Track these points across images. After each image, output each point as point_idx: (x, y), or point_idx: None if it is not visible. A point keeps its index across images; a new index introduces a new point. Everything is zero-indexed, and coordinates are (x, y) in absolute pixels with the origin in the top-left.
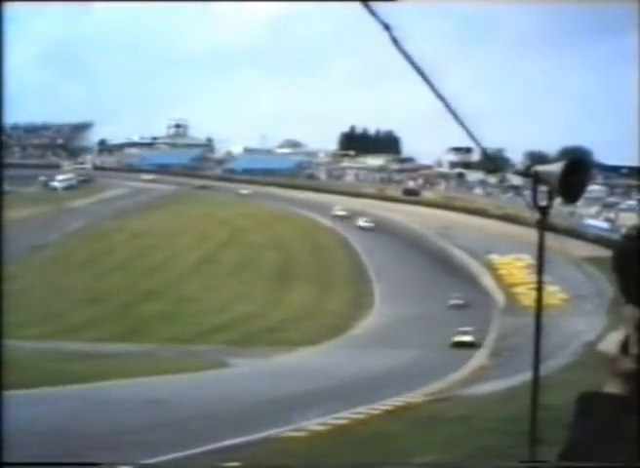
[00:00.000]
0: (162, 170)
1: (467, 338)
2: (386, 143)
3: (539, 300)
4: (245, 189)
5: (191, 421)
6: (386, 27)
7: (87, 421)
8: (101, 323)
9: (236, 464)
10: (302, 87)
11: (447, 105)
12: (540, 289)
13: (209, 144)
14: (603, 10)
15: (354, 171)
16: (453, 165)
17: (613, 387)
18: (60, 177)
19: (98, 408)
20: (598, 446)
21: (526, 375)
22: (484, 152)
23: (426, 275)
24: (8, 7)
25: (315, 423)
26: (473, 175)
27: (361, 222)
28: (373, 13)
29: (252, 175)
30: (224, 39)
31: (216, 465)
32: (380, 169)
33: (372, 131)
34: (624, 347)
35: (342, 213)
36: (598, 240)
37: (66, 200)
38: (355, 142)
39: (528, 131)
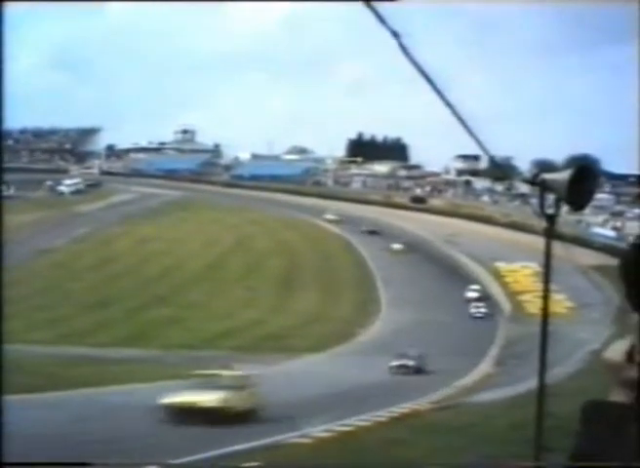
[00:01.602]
0: (169, 175)
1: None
2: (394, 150)
3: (545, 308)
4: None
5: (195, 427)
6: (395, 35)
7: (92, 426)
8: (108, 328)
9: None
10: (310, 93)
11: (455, 113)
12: (546, 297)
13: (216, 150)
14: (613, 17)
15: (361, 178)
16: (460, 172)
17: (618, 395)
18: (68, 182)
19: (103, 413)
20: (604, 453)
21: (531, 383)
22: (492, 160)
23: (433, 282)
24: (8, 7)
25: (320, 430)
26: (480, 183)
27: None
28: (382, 20)
29: (259, 182)
30: (232, 45)
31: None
32: (388, 176)
33: (379, 137)
34: (630, 355)
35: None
36: (605, 248)
37: (74, 205)
38: (363, 149)
39: (536, 138)
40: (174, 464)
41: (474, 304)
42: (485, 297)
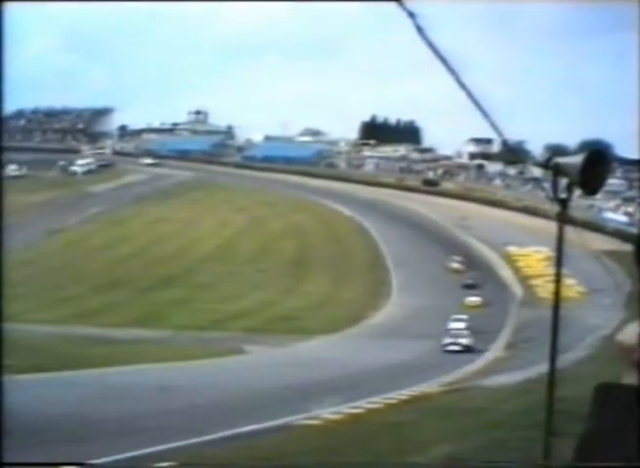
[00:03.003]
0: (181, 156)
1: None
2: (407, 133)
3: (557, 293)
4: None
5: (206, 408)
6: (411, 15)
7: (101, 406)
8: (118, 308)
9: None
10: (324, 75)
11: (470, 96)
12: (558, 281)
13: (229, 131)
14: (631, 2)
15: (374, 160)
16: (473, 156)
17: (630, 378)
18: (80, 162)
19: (112, 392)
20: (615, 436)
21: (542, 368)
22: (504, 143)
23: (444, 266)
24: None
25: (330, 412)
26: (493, 167)
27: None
28: (398, 1)
29: (271, 163)
30: (246, 26)
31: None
32: (401, 159)
33: (393, 120)
34: None
35: None
36: (617, 233)
37: (85, 185)
38: (376, 132)
39: (549, 123)
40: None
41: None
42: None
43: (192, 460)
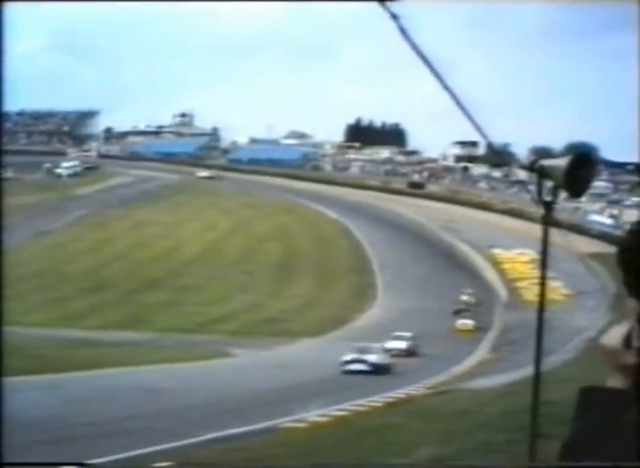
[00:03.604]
0: (167, 158)
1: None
2: (392, 136)
3: (541, 295)
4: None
5: (192, 410)
6: (394, 17)
7: (88, 408)
8: (104, 311)
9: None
10: (309, 78)
11: (454, 98)
12: (543, 284)
13: (214, 134)
14: (615, 4)
15: (360, 163)
16: (458, 158)
17: (615, 381)
18: (66, 165)
19: (99, 395)
20: (600, 439)
21: (527, 370)
22: (490, 146)
23: (430, 268)
24: (8, 6)
25: (316, 414)
26: (478, 169)
27: None
28: (382, 3)
29: (257, 166)
30: (233, 28)
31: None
32: (386, 161)
33: (378, 123)
34: (627, 341)
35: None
36: (602, 236)
37: (71, 187)
38: (361, 134)
39: (534, 125)
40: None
41: None
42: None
43: (180, 461)
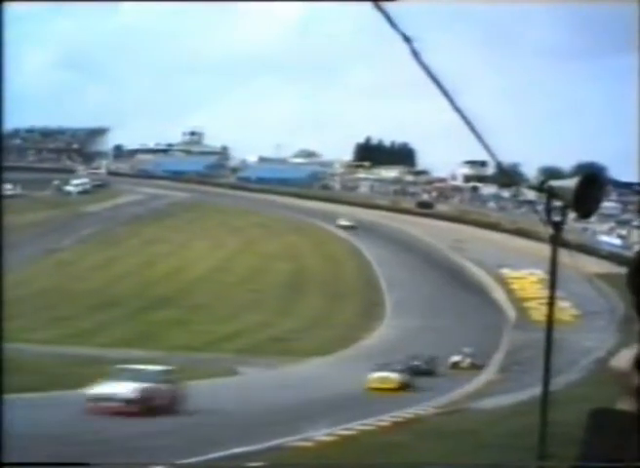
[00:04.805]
0: (176, 176)
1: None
2: (401, 155)
3: (550, 316)
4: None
5: (199, 428)
6: (407, 39)
7: (93, 426)
8: (112, 328)
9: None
10: (319, 96)
11: (463, 118)
12: (551, 304)
13: (224, 152)
14: (623, 25)
15: (369, 182)
16: (467, 178)
17: (625, 403)
18: (75, 182)
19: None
20: (610, 462)
21: (535, 390)
22: (499, 166)
23: (438, 288)
24: (12, 7)
25: (323, 434)
26: (487, 189)
27: None
28: (393, 24)
29: (266, 185)
30: (242, 47)
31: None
32: (395, 181)
33: (387, 142)
34: (637, 363)
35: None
36: (610, 256)
37: (80, 205)
38: (370, 154)
39: (543, 145)
40: (177, 464)
41: None
42: None
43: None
